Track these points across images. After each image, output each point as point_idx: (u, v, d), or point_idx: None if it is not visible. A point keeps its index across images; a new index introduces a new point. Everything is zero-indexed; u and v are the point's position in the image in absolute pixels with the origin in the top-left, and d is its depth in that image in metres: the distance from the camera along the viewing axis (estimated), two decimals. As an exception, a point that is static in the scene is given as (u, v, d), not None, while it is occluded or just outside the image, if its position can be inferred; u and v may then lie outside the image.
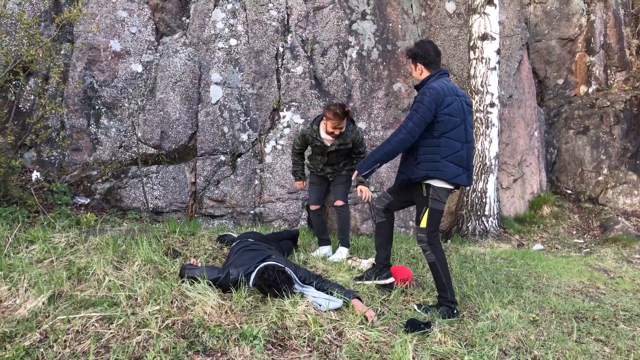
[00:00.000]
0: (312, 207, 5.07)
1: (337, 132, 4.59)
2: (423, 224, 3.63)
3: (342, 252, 4.88)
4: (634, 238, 8.07)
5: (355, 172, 3.72)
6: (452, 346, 3.07)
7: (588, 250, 7.73)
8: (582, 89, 10.68)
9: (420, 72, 3.70)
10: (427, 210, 3.60)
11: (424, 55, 3.66)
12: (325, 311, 3.29)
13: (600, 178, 9.91)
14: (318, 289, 3.56)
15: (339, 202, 4.89)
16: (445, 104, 3.49)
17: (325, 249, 5.01)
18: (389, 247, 4.09)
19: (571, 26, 10.63)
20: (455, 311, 3.65)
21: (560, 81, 10.73)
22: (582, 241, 8.30)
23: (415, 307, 3.73)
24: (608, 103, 10.25)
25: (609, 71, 10.87)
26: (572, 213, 9.37)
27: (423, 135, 3.53)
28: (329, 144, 4.76)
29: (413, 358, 2.83)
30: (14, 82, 5.51)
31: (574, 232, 8.76)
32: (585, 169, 10.09)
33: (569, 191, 10.09)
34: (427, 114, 3.45)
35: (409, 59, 3.77)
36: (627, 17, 11.36)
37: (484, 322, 3.59)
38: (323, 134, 4.73)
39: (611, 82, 10.80)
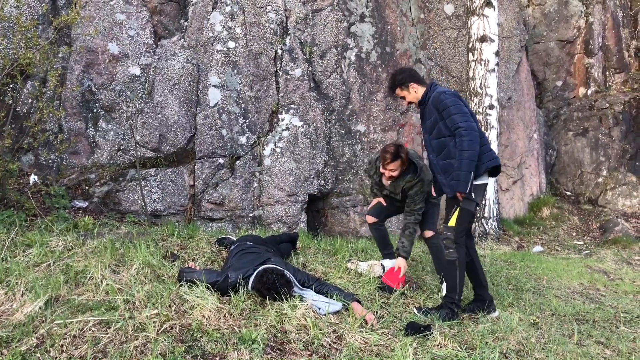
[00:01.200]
0: (368, 219, 4.56)
1: (387, 173, 4.00)
2: (452, 222, 3.61)
3: (442, 289, 4.09)
4: (633, 239, 8.06)
5: (458, 194, 3.50)
6: (453, 349, 3.05)
7: (588, 252, 7.72)
8: (581, 90, 10.69)
9: (416, 90, 3.78)
10: (458, 209, 3.59)
11: (409, 75, 3.80)
12: (325, 314, 3.27)
13: (600, 180, 9.90)
14: (317, 292, 3.54)
15: (428, 233, 4.24)
16: None
17: (388, 263, 4.41)
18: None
19: (570, 28, 10.64)
20: (456, 314, 3.64)
21: (559, 83, 10.74)
22: (581, 243, 8.29)
23: (415, 310, 3.71)
24: (607, 105, 10.26)
25: (607, 73, 10.88)
26: (572, 215, 9.36)
27: None
28: (385, 184, 4.24)
29: (413, 361, 2.81)
30: (11, 85, 5.49)
31: (574, 234, 8.75)
32: (584, 170, 10.08)
33: (568, 193, 10.09)
34: (461, 106, 3.51)
35: (400, 89, 3.80)
36: (626, 19, 11.38)
37: (484, 324, 3.57)
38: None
39: (610, 83, 10.81)
